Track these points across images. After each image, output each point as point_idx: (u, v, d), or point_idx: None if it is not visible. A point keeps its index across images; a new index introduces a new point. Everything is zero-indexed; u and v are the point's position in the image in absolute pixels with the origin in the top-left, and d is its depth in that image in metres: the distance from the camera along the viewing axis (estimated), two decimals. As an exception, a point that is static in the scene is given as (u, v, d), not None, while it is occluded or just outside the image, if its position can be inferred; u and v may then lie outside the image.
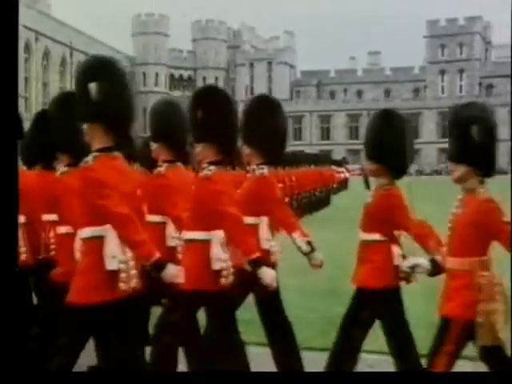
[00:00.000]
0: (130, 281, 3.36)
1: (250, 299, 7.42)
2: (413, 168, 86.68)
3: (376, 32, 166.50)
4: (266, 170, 4.56)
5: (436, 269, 3.66)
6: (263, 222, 4.57)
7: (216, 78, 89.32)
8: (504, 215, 3.46)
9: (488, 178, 3.61)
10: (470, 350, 5.59)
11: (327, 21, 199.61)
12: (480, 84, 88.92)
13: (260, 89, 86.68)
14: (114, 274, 3.31)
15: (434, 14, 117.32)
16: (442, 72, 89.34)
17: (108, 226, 3.32)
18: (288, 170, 18.17)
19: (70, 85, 66.88)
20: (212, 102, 4.06)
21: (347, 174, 41.58)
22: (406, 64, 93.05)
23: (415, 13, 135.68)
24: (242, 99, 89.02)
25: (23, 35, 52.94)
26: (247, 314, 6.75)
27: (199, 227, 3.92)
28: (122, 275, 3.32)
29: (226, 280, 3.91)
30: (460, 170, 3.57)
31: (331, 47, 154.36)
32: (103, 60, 3.61)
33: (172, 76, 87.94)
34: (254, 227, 4.49)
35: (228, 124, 4.06)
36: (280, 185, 17.55)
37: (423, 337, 6.05)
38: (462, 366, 4.59)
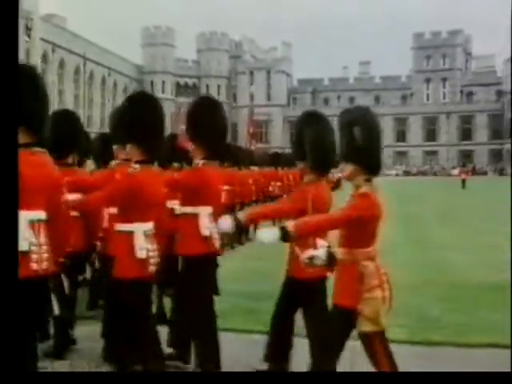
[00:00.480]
0: (42, 262, 3.35)
1: (254, 289, 7.36)
2: (401, 169, 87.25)
3: (367, 43, 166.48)
4: (200, 163, 4.58)
5: (331, 260, 3.51)
6: (203, 210, 4.53)
7: (218, 86, 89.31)
8: (379, 213, 3.44)
9: (374, 176, 3.55)
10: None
11: (322, 32, 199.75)
12: (461, 92, 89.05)
13: (259, 96, 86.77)
14: (26, 254, 3.30)
15: (420, 27, 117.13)
16: (427, 80, 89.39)
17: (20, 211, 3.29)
18: (286, 170, 18.22)
19: (83, 92, 66.87)
20: (137, 107, 4.11)
21: (340, 174, 41.43)
22: (394, 73, 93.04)
23: (403, 26, 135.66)
24: (242, 105, 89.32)
25: (41, 47, 52.87)
26: (250, 303, 6.67)
27: (124, 220, 3.98)
28: (34, 256, 3.32)
29: (154, 268, 4.01)
30: (348, 168, 3.54)
31: (325, 57, 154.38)
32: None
33: (178, 84, 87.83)
34: (195, 216, 4.51)
35: (151, 127, 4.11)
36: (278, 183, 17.97)
37: (406, 324, 5.97)
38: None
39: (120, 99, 76.52)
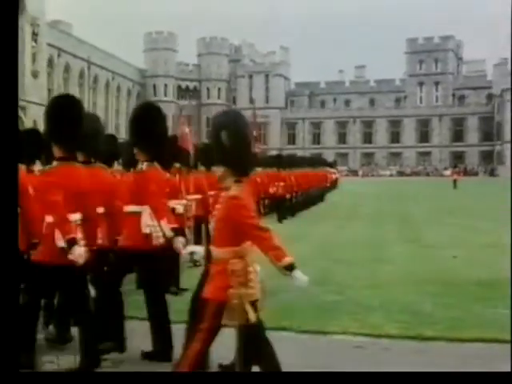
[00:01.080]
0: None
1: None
2: (395, 169, 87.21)
3: (362, 48, 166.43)
4: (144, 166, 4.85)
5: (209, 256, 3.62)
6: (145, 210, 4.76)
7: (219, 89, 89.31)
8: (248, 212, 3.44)
9: (244, 177, 3.53)
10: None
11: (319, 37, 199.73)
12: (453, 95, 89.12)
13: (258, 98, 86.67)
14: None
15: (413, 33, 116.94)
16: (420, 84, 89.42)
17: None
18: (288, 171, 18.62)
19: (87, 95, 66.77)
20: (56, 109, 4.40)
21: (338, 175, 41.51)
22: (389, 76, 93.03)
23: (397, 31, 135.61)
24: (242, 107, 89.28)
25: (47, 52, 52.79)
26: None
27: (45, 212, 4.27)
28: None
29: (74, 256, 4.23)
30: (219, 170, 3.57)
31: (322, 61, 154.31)
32: None
33: (179, 87, 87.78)
34: (138, 214, 4.78)
35: (69, 127, 4.33)
36: (281, 183, 18.80)
37: (405, 320, 5.94)
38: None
39: (123, 102, 76.60)
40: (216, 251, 3.52)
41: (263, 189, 13.89)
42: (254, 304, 3.43)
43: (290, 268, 3.39)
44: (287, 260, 3.39)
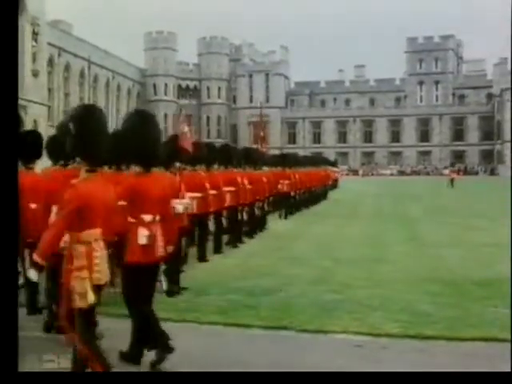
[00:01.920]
0: None
1: (254, 285, 7.34)
2: (395, 168, 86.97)
3: (362, 47, 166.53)
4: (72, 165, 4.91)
5: None
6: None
7: (219, 88, 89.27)
8: (85, 202, 3.57)
9: (96, 167, 3.73)
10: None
11: (319, 37, 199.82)
12: (453, 94, 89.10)
13: (258, 98, 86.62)
14: None
15: (413, 32, 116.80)
16: (420, 83, 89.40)
17: None
18: (293, 170, 19.17)
19: (88, 94, 66.73)
20: None
21: (338, 175, 41.60)
22: (389, 76, 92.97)
23: (397, 30, 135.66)
24: (242, 106, 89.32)
25: (47, 51, 52.74)
26: (251, 299, 6.64)
27: None
28: None
29: None
30: (78, 160, 3.74)
31: (322, 61, 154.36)
32: None
33: (179, 86, 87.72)
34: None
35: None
36: (286, 181, 19.60)
37: (405, 320, 5.94)
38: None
39: (124, 101, 76.58)
40: (66, 237, 3.67)
41: (269, 187, 14.31)
42: (100, 288, 3.63)
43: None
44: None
